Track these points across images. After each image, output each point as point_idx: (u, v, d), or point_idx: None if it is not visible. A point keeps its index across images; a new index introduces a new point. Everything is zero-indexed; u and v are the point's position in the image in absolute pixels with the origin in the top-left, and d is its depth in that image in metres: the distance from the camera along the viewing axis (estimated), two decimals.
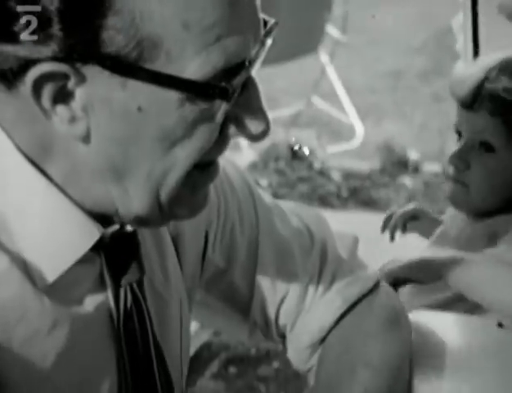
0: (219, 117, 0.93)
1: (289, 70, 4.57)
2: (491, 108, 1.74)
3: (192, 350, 2.82)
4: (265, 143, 4.27)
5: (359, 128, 4.57)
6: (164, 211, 0.97)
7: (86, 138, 0.93)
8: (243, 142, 3.88)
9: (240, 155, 4.14)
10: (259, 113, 0.96)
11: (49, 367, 0.98)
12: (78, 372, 1.00)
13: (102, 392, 1.03)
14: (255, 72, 0.97)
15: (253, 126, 0.96)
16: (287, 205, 1.29)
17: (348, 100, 4.47)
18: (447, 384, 1.27)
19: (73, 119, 0.92)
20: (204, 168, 0.98)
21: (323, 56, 4.33)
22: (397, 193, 4.01)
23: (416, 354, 1.27)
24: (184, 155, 0.94)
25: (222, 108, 0.93)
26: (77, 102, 0.91)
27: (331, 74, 4.38)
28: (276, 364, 2.81)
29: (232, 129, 0.96)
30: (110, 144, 0.93)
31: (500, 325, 1.39)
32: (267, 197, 1.27)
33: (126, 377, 1.04)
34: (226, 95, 0.92)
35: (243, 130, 0.96)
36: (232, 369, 2.85)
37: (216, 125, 0.94)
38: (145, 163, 0.94)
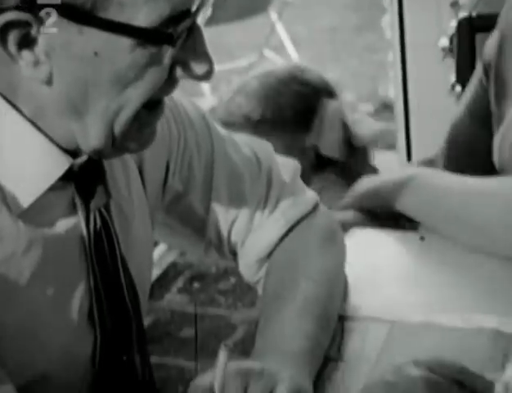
0: (167, 60, 0.93)
1: (243, 28, 4.60)
2: None
3: (160, 270, 2.83)
4: (224, 90, 4.27)
5: None
6: (117, 145, 0.97)
7: (49, 81, 0.93)
8: (205, 89, 3.88)
9: (202, 100, 4.11)
10: (203, 56, 0.95)
11: (25, 283, 0.96)
12: (52, 287, 0.99)
13: (74, 304, 1.01)
14: (200, 20, 0.96)
15: (198, 68, 0.95)
16: (239, 137, 1.26)
17: (294, 52, 4.49)
18: (380, 292, 1.27)
19: (36, 63, 0.91)
20: (152, 107, 0.98)
21: (272, 15, 4.32)
22: None
23: (354, 266, 1.27)
24: (136, 95, 0.94)
25: (168, 52, 0.93)
26: (40, 48, 0.91)
27: (280, 30, 4.39)
28: (233, 280, 2.82)
29: (179, 72, 0.96)
30: (70, 86, 0.93)
31: (421, 238, 1.38)
32: (221, 130, 1.25)
33: (97, 292, 1.03)
34: (172, 40, 0.92)
35: (189, 72, 0.96)
36: (196, 285, 2.86)
37: (164, 68, 0.94)
38: (102, 102, 0.93)
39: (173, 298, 2.77)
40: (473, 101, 1.65)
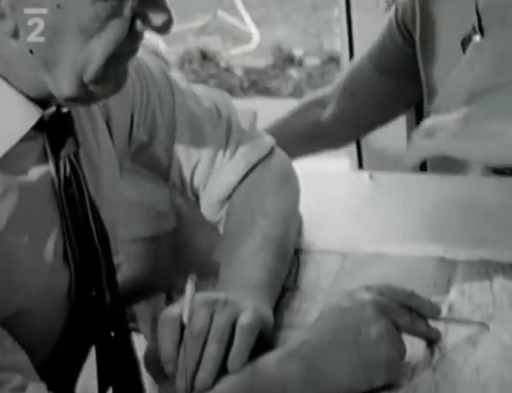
0: (127, 12, 0.90)
1: None
2: None
3: None
4: (180, 48, 4.24)
5: (255, 34, 4.58)
6: (89, 93, 0.94)
7: (15, 34, 0.89)
8: (162, 48, 3.82)
9: None
10: (161, 7, 0.92)
11: (2, 228, 0.93)
12: (28, 231, 0.97)
13: (49, 246, 0.99)
14: None
15: (156, 18, 0.92)
16: (198, 88, 1.24)
17: (246, 12, 4.47)
18: (332, 226, 1.27)
19: (2, 17, 0.87)
20: (121, 58, 0.95)
21: None
22: (287, 83, 4.08)
23: (307, 204, 1.26)
24: (101, 47, 0.90)
25: (128, 4, 0.90)
26: (4, 1, 0.87)
27: None
28: None
29: (140, 25, 0.92)
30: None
31: (371, 177, 1.38)
32: (181, 82, 1.22)
33: (69, 234, 1.01)
34: None
35: (148, 23, 0.92)
36: None
37: (125, 20, 0.91)
38: (69, 53, 0.90)
39: None
40: (377, 48, 1.64)
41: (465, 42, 1.46)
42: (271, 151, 1.24)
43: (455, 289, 1.09)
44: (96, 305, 1.06)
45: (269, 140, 1.25)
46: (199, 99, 1.21)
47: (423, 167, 1.57)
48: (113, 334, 1.09)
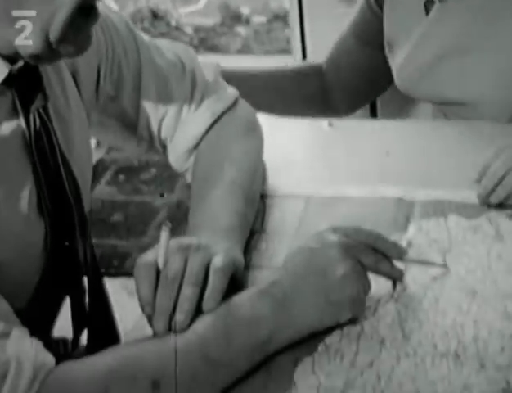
0: None
1: None
2: None
3: None
4: (131, 8, 4.16)
5: None
6: (54, 50, 0.88)
7: None
8: (114, 8, 3.74)
9: None
10: None
11: None
12: (2, 184, 0.92)
13: (24, 199, 0.95)
14: None
15: None
16: (162, 42, 1.19)
17: None
18: (295, 172, 1.24)
19: None
20: (86, 13, 0.89)
21: None
22: (234, 40, 4.05)
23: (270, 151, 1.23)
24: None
25: None
26: None
27: None
28: (153, 171, 2.77)
29: None
30: None
31: (330, 124, 1.34)
32: (144, 36, 1.17)
33: (41, 187, 0.96)
34: None
35: None
36: (121, 176, 2.80)
37: None
38: (34, 8, 0.85)
39: (103, 189, 2.73)
40: (359, 21, 1.57)
41: (428, 5, 1.40)
42: (235, 102, 1.20)
43: (414, 226, 1.07)
44: (70, 255, 1.02)
45: (233, 91, 1.21)
46: (163, 52, 1.16)
47: (373, 113, 1.55)
48: (86, 281, 1.05)
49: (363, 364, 0.87)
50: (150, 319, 0.88)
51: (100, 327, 1.09)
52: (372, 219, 1.08)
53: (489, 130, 1.27)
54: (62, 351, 1.04)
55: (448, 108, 1.37)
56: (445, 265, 0.98)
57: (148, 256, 0.90)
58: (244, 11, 4.12)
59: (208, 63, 1.20)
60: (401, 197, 1.14)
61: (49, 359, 0.82)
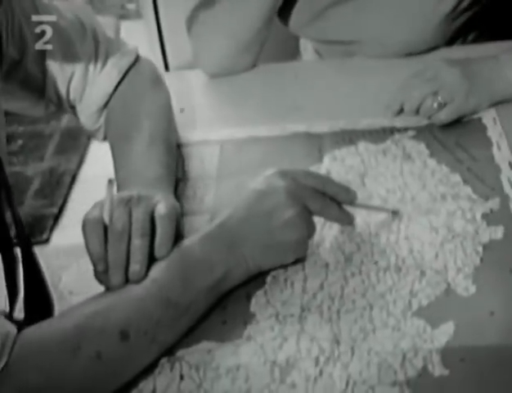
0: None
1: None
2: None
3: None
4: None
5: None
6: None
7: None
8: None
9: None
10: None
11: None
12: None
13: None
14: None
15: None
16: (59, 3, 1.11)
17: None
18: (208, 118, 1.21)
19: None
20: None
21: None
22: None
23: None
24: None
25: None
26: None
27: None
28: (20, 141, 2.61)
29: None
30: None
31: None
32: None
33: None
34: None
35: None
36: None
37: None
38: None
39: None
40: None
41: None
42: (137, 57, 1.15)
43: (328, 156, 1.07)
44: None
45: (133, 46, 1.16)
46: (62, 12, 1.09)
47: None
48: (16, 249, 1.00)
49: (314, 288, 0.87)
50: (101, 276, 0.85)
51: (33, 293, 1.04)
52: (286, 156, 1.08)
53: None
54: None
55: (332, 48, 1.36)
56: (396, 211, 0.95)
57: (93, 212, 0.86)
58: None
59: (107, 20, 1.15)
60: (308, 132, 1.13)
61: (11, 326, 0.78)
